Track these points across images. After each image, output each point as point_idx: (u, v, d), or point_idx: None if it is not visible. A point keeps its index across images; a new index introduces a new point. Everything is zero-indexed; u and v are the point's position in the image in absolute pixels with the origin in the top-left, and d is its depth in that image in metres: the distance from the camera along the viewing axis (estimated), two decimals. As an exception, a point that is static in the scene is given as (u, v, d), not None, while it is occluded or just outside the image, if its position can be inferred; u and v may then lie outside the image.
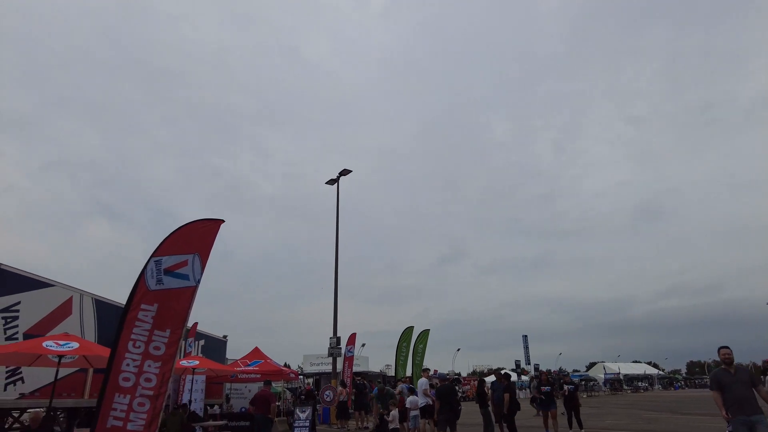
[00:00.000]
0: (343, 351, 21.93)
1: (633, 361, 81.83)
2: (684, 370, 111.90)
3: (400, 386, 14.16)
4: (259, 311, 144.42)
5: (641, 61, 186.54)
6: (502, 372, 14.23)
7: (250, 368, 17.85)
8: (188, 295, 6.49)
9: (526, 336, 68.88)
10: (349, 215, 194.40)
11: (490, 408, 11.83)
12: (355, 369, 33.77)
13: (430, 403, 11.45)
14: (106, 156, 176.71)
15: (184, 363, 12.34)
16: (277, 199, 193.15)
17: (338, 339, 21.68)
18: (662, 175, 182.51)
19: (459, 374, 70.61)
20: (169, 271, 6.46)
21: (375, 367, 54.79)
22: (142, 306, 6.22)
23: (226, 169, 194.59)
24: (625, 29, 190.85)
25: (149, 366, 6.01)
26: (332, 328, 22.10)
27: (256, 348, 20.06)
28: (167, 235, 6.68)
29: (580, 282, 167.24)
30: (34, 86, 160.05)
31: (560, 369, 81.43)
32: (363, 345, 55.53)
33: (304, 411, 17.00)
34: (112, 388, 5.79)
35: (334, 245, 23.52)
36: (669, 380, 71.04)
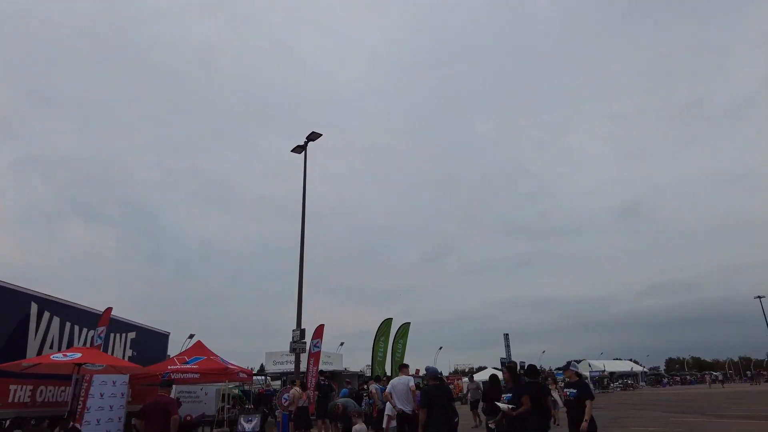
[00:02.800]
0: (307, 346, 18.33)
1: (614, 359, 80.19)
2: (663, 367, 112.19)
3: (373, 386, 10.74)
4: (243, 313, 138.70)
5: (628, 58, 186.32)
6: (525, 365, 9.65)
7: (187, 366, 14.17)
8: None
9: (507, 335, 66.91)
10: (337, 215, 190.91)
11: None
12: (327, 367, 30.15)
13: (416, 410, 7.99)
14: (84, 154, 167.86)
15: (56, 357, 8.55)
16: (263, 199, 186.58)
17: (302, 331, 18.05)
18: (646, 173, 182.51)
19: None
20: None
21: (355, 366, 51.25)
22: None
23: (210, 167, 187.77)
24: (615, 24, 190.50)
25: None
26: (300, 321, 18.48)
27: (199, 342, 16.42)
28: None
29: (564, 281, 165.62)
30: (7, 82, 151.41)
31: (540, 366, 79.31)
32: (342, 344, 51.78)
33: (251, 420, 13.37)
34: None
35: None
36: (656, 377, 69.21)
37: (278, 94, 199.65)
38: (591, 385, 8.76)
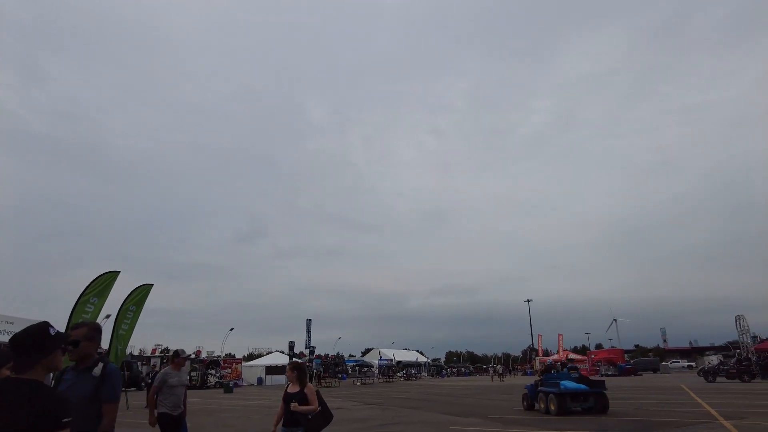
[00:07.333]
0: None
1: (404, 349, 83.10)
2: (443, 359, 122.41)
3: None
4: (12, 278, 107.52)
5: (453, 79, 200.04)
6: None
7: None
8: None
9: (310, 320, 63.54)
10: (143, 176, 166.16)
11: None
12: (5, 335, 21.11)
13: None
14: None
15: None
16: (48, 141, 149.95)
17: None
18: (452, 186, 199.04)
19: (218, 356, 60.31)
20: None
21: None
22: None
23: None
24: (447, 45, 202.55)
25: None
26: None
27: None
28: None
29: (369, 273, 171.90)
30: None
31: (338, 354, 78.17)
32: (107, 317, 40.56)
33: None
34: None
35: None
36: (437, 368, 72.70)
37: (84, 15, 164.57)
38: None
